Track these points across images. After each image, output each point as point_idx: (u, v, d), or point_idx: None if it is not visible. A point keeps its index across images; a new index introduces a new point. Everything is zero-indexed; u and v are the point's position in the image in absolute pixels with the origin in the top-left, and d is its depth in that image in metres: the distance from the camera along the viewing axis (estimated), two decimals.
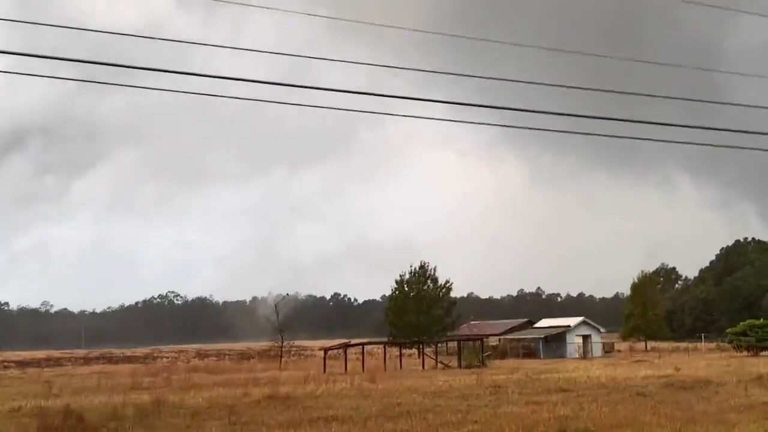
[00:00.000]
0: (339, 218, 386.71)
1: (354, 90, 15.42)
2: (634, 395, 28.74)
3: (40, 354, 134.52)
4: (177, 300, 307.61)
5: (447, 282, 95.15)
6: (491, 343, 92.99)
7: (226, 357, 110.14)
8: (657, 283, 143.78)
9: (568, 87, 18.68)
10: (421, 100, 16.20)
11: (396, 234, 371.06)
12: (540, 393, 30.68)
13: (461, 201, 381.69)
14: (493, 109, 17.34)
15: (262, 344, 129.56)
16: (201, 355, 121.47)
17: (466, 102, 18.23)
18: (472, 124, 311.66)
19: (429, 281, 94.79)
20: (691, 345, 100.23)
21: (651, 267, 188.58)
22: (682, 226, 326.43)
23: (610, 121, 17.72)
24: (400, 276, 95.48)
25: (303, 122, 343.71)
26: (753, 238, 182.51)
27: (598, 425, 19.62)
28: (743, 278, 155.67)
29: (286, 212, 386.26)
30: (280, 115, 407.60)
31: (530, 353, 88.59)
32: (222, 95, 17.16)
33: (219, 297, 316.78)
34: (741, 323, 79.64)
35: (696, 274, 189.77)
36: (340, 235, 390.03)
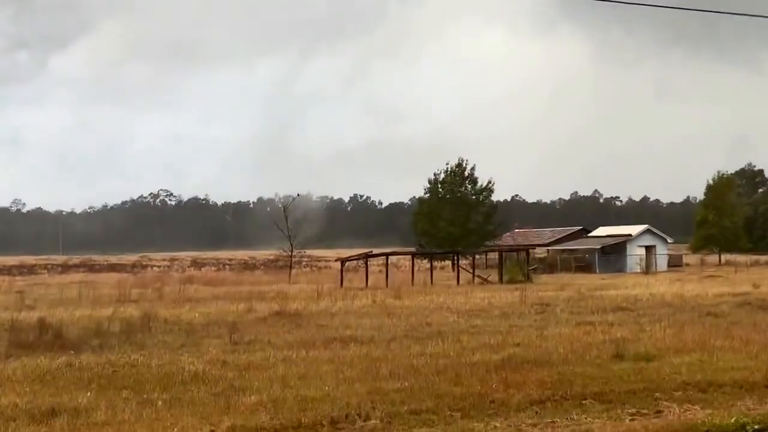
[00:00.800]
0: (361, 107, 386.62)
1: None
2: (704, 315, 28.88)
3: (11, 260, 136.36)
4: (170, 200, 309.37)
5: (488, 183, 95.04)
6: (538, 255, 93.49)
7: (227, 267, 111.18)
8: (737, 186, 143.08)
9: None
10: None
11: (429, 127, 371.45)
12: (594, 312, 30.88)
13: (507, 87, 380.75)
14: None
15: (269, 253, 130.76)
16: (197, 263, 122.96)
17: None
18: None
19: (467, 182, 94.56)
20: None
21: (732, 167, 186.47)
22: None
23: None
24: (434, 175, 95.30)
25: None
26: None
27: (661, 349, 19.78)
28: None
29: (299, 99, 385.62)
30: None
31: (584, 266, 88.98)
32: None
33: (218, 197, 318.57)
34: None
35: None
36: (363, 127, 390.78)
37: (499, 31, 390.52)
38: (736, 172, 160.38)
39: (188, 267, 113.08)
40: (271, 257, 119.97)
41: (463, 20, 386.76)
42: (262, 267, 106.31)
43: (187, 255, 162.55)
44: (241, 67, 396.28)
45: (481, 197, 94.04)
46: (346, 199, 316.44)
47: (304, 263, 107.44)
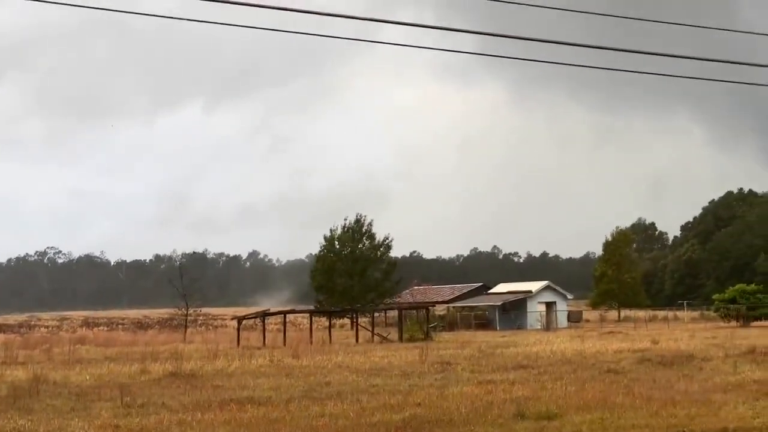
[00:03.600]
0: (265, 163, 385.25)
1: (296, 8, 15.18)
2: (605, 372, 29.21)
3: None
4: (59, 258, 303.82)
5: (386, 239, 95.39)
6: (438, 312, 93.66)
7: (119, 326, 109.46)
8: (633, 241, 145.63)
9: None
10: (368, 20, 16.05)
11: (333, 182, 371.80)
12: (495, 370, 31.03)
13: (415, 140, 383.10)
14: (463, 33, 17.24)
15: (164, 311, 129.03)
16: (89, 323, 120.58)
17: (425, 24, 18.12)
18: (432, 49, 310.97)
19: (365, 238, 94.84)
20: (671, 314, 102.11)
21: (627, 222, 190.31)
22: (671, 170, 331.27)
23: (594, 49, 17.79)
24: (331, 231, 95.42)
25: (228, 47, 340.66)
26: (748, 189, 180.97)
27: (562, 407, 19.91)
28: (734, 236, 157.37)
29: (201, 154, 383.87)
30: (204, 35, 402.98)
31: (484, 324, 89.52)
32: (130, 11, 16.77)
33: (112, 255, 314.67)
34: (730, 288, 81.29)
35: (678, 232, 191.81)
36: (264, 181, 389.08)
37: (408, 86, 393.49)
38: (632, 226, 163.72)
39: (79, 327, 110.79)
40: (166, 316, 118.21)
41: (373, 77, 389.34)
42: (157, 326, 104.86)
43: (78, 314, 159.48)
44: (146, 119, 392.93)
45: (378, 253, 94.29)
46: (245, 256, 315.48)
47: (199, 322, 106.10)
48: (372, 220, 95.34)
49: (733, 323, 76.20)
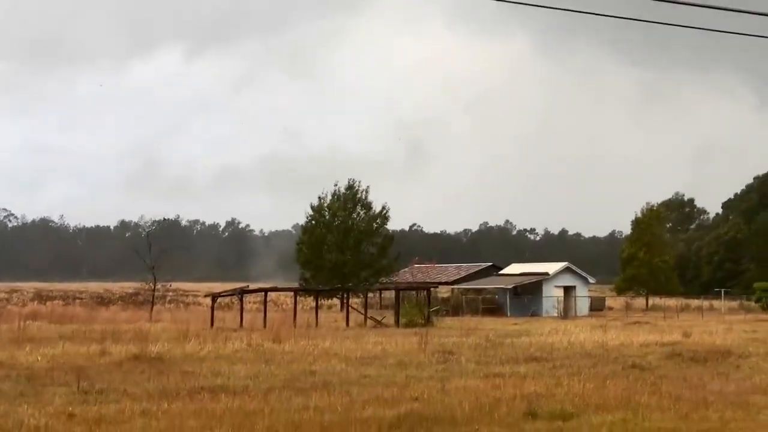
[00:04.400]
0: (248, 120, 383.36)
1: None
2: (629, 368, 29.25)
3: None
4: (9, 221, 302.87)
5: (383, 209, 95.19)
6: (441, 294, 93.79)
7: (77, 301, 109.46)
8: (667, 219, 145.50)
9: None
10: None
11: (323, 143, 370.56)
12: (504, 362, 31.10)
13: (413, 102, 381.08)
14: None
15: (128, 285, 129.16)
16: (42, 296, 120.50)
17: None
18: None
19: (359, 207, 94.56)
20: (706, 303, 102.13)
21: (662, 197, 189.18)
22: (717, 138, 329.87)
23: None
24: (320, 198, 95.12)
25: None
26: None
27: (579, 406, 19.94)
28: None
29: (178, 108, 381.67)
30: None
31: (494, 309, 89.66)
32: None
33: (72, 219, 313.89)
34: None
35: (719, 209, 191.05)
36: (248, 142, 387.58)
37: (411, 38, 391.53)
38: (664, 203, 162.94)
39: (30, 300, 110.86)
40: (131, 290, 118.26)
41: (374, 29, 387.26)
42: (120, 302, 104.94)
43: (30, 286, 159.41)
44: (112, 67, 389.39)
45: (374, 225, 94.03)
46: (222, 225, 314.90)
47: (168, 298, 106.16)
48: (368, 187, 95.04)
49: None
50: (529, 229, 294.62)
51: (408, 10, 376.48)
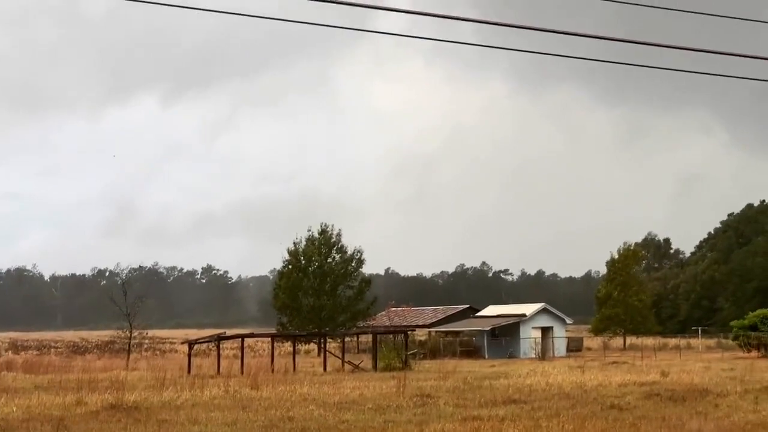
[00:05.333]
0: (228, 166, 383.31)
1: None
2: (608, 408, 29.27)
3: None
4: None
5: (357, 252, 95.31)
6: (419, 338, 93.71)
7: (52, 350, 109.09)
8: (643, 258, 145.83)
9: None
10: (355, 5, 16.03)
11: (299, 190, 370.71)
12: (482, 405, 31.05)
13: (387, 145, 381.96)
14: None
15: (103, 334, 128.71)
16: (16, 346, 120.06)
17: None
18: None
19: (334, 251, 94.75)
20: (684, 341, 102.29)
21: (637, 237, 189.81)
22: (690, 177, 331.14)
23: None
24: (295, 243, 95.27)
25: (190, 33, 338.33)
26: None
27: None
28: (757, 253, 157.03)
29: (154, 154, 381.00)
30: (163, 17, 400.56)
31: (471, 351, 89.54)
32: None
33: (45, 268, 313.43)
34: (751, 313, 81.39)
35: (694, 248, 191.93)
36: (225, 188, 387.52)
37: (394, 81, 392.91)
38: (640, 243, 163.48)
39: (5, 350, 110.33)
40: (106, 339, 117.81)
41: (348, 70, 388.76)
42: (96, 350, 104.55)
43: (4, 336, 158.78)
44: (88, 114, 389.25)
45: (349, 268, 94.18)
46: (199, 271, 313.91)
47: (145, 346, 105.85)
48: (340, 230, 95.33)
49: (754, 353, 76.38)
50: (505, 270, 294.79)
51: (385, 54, 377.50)
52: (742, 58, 19.16)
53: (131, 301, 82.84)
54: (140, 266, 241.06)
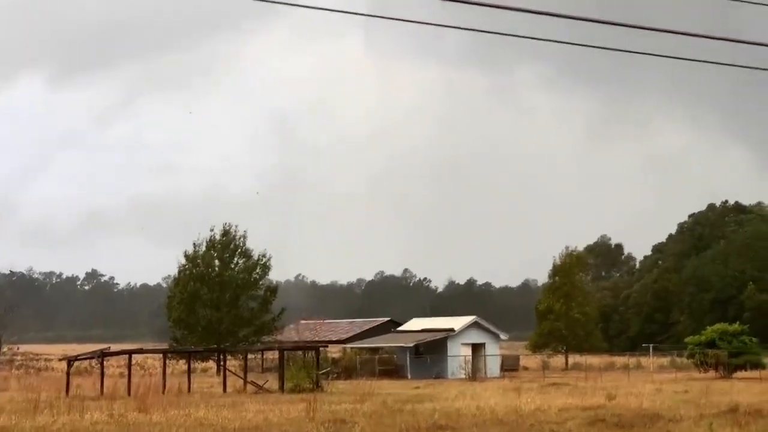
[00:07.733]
0: (117, 157, 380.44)
1: None
2: None
3: None
4: None
5: (263, 257, 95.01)
6: (332, 354, 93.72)
7: None
8: (590, 265, 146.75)
9: None
10: None
11: (204, 185, 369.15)
12: None
13: (300, 134, 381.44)
14: None
15: None
16: None
17: None
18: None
19: (238, 257, 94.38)
20: (633, 360, 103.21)
21: (584, 242, 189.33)
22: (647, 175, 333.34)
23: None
24: (194, 246, 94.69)
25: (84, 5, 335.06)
26: (734, 201, 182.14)
27: None
28: (716, 260, 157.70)
29: (38, 143, 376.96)
30: None
31: (392, 370, 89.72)
32: None
33: None
34: (708, 329, 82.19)
35: (647, 253, 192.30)
36: (117, 182, 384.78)
37: (304, 60, 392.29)
38: (588, 248, 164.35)
39: None
40: None
41: (263, 46, 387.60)
42: None
43: None
44: None
45: (254, 276, 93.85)
46: (81, 277, 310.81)
47: (17, 363, 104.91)
48: (246, 232, 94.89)
49: (711, 373, 77.24)
50: (429, 278, 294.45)
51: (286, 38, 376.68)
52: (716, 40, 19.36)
53: (0, 311, 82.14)
54: (11, 271, 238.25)
